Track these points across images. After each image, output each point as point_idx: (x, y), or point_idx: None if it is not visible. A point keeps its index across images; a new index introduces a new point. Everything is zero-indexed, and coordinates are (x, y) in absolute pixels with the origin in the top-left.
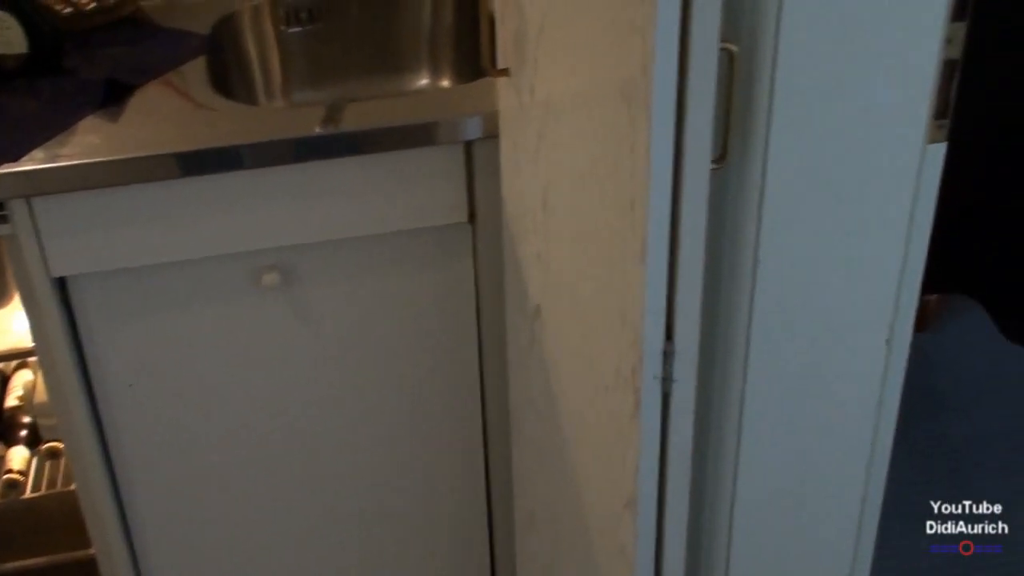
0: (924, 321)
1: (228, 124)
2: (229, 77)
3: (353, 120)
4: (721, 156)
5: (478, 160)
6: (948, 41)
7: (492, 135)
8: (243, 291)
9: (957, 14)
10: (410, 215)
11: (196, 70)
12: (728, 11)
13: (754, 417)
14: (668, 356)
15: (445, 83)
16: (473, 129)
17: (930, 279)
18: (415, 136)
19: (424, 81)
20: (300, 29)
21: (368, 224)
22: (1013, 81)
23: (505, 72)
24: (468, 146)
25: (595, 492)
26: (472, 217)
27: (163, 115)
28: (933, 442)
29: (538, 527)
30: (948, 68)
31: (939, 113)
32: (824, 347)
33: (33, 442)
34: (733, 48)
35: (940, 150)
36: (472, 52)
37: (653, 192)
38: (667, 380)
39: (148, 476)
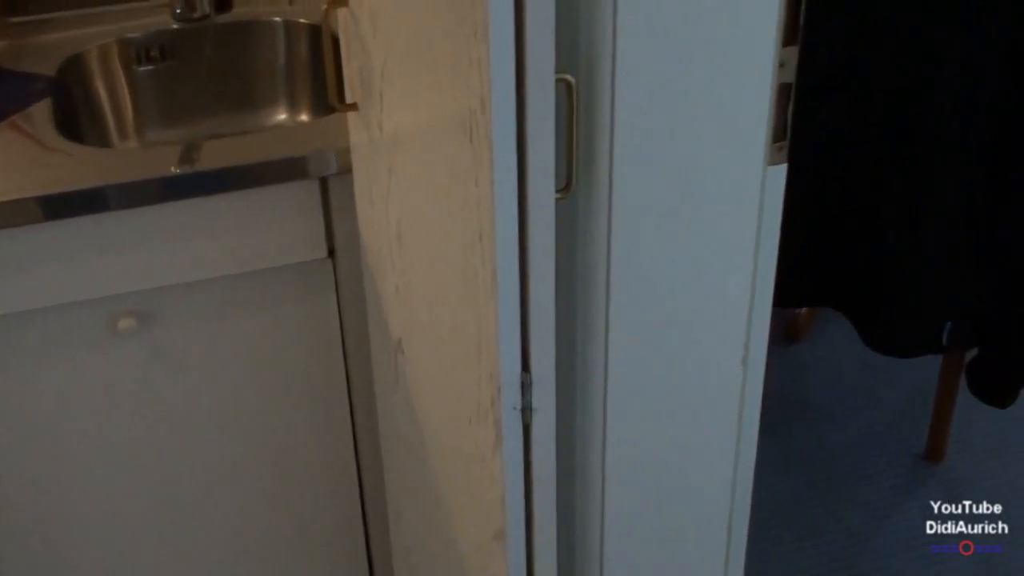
0: (797, 333)
1: (80, 167)
2: (79, 119)
3: (209, 159)
4: (566, 185)
5: (335, 194)
6: (781, 65)
7: (348, 170)
8: (100, 338)
9: (788, 39)
10: (269, 253)
11: (43, 113)
12: (564, 43)
13: (617, 442)
14: (526, 386)
15: (304, 117)
16: (329, 164)
17: (796, 293)
18: (271, 173)
19: (282, 116)
20: (152, 67)
21: (226, 264)
22: (852, 101)
23: (353, 107)
24: (324, 181)
25: (465, 524)
26: (332, 252)
27: (10, 161)
28: (811, 450)
29: (414, 562)
30: (783, 92)
31: (777, 136)
32: (682, 369)
33: None
34: (570, 79)
35: (781, 171)
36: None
37: (499, 224)
38: (527, 410)
39: (7, 534)
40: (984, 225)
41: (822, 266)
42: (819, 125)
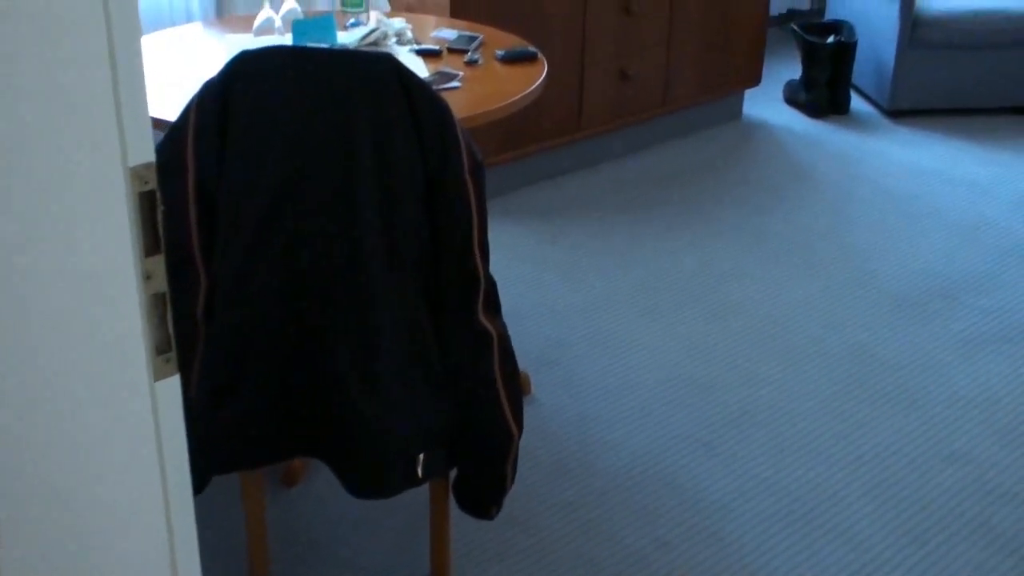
0: (294, 477)
1: None
2: None
3: None
4: None
5: None
6: (148, 277)
7: None
8: None
9: (151, 249)
10: None
11: None
12: None
13: None
14: None
15: None
16: None
17: (274, 450)
18: None
19: None
20: None
21: None
22: (284, 258)
23: None
24: None
25: None
26: None
27: None
28: None
29: None
30: (158, 302)
31: (161, 347)
32: None
33: None
34: None
35: (173, 383)
36: None
37: None
38: None
39: None
40: (433, 354)
41: (292, 420)
42: (259, 286)
